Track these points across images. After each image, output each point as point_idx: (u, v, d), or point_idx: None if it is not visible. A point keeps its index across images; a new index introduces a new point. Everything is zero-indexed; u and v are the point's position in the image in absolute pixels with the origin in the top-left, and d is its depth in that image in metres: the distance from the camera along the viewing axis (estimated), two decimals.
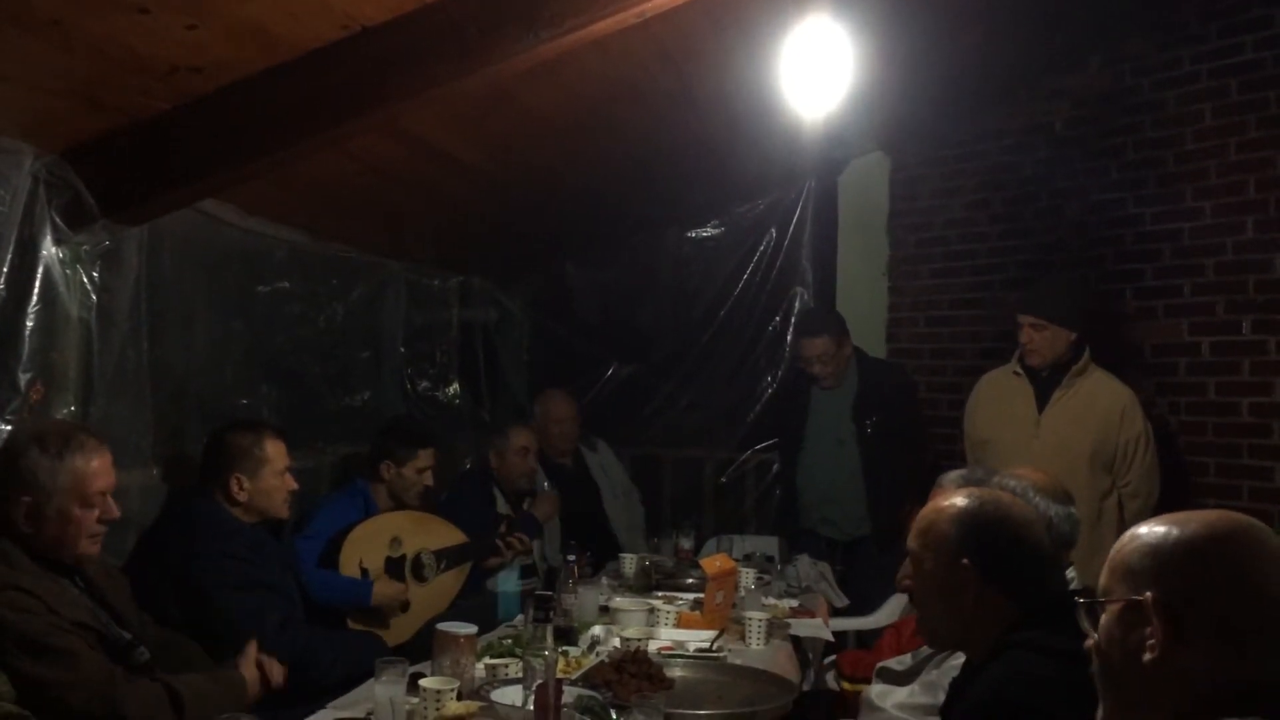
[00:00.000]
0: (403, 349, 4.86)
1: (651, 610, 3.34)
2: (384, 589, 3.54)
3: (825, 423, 4.66)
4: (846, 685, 3.45)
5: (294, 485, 3.18)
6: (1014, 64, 4.54)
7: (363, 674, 2.56)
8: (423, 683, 2.34)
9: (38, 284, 2.65)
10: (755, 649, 3.14)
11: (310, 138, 2.68)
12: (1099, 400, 3.89)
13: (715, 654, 3.01)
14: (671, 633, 3.22)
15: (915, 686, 2.56)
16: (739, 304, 5.37)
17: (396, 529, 3.73)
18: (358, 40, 2.49)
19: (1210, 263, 4.16)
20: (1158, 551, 1.34)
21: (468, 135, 3.47)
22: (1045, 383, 3.96)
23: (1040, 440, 3.88)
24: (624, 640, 2.94)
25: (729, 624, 3.30)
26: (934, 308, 5.03)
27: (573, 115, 3.55)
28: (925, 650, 2.66)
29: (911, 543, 2.03)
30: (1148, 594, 1.30)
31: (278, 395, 3.91)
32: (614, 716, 2.27)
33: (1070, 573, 2.45)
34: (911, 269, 5.10)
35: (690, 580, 3.87)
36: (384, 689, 2.23)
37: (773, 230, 5.31)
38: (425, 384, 5.03)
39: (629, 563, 4.08)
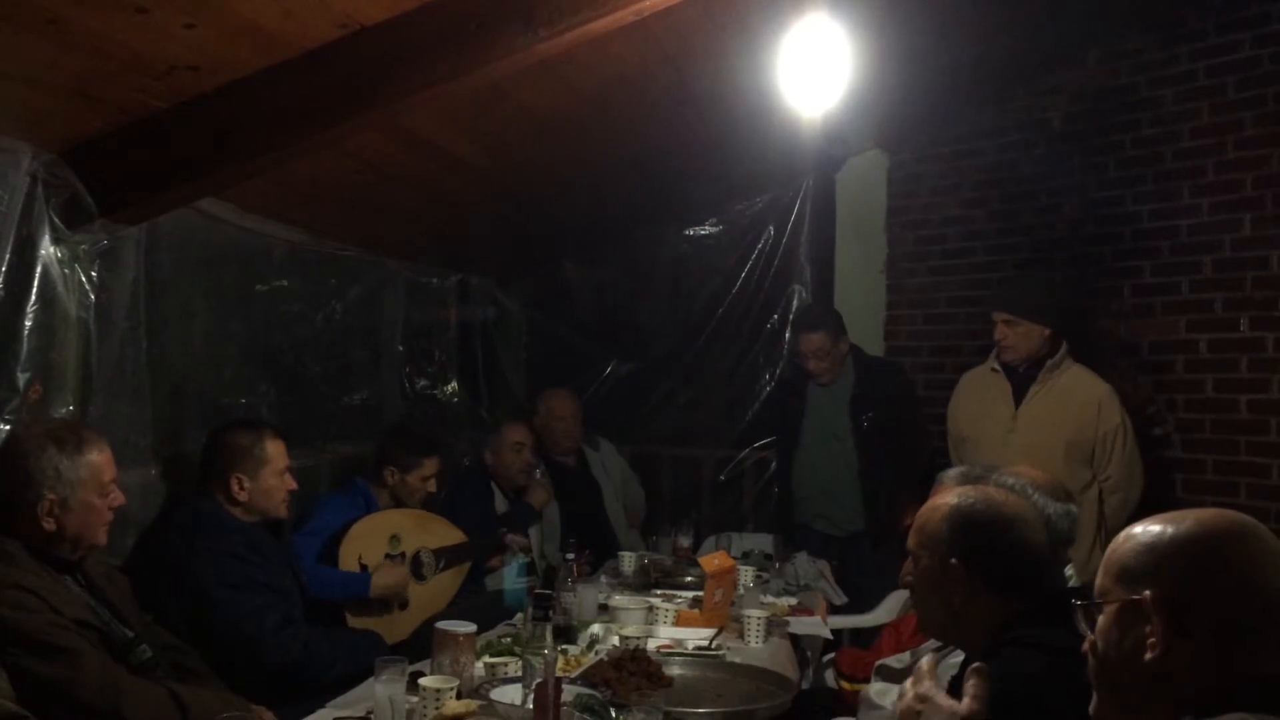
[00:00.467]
0: (401, 347, 4.86)
1: (650, 608, 3.34)
2: (383, 578, 3.53)
3: (822, 418, 4.68)
4: (845, 684, 3.45)
5: (293, 485, 3.19)
6: (1011, 60, 4.54)
7: (362, 673, 2.56)
8: (422, 681, 2.35)
9: (36, 283, 2.65)
10: (754, 647, 3.14)
11: (308, 137, 2.68)
12: (1075, 394, 3.91)
13: (714, 652, 3.01)
14: (670, 631, 3.23)
15: None
16: (737, 302, 5.37)
17: (396, 527, 3.73)
18: (356, 39, 2.49)
19: (1208, 260, 4.16)
20: (1155, 550, 1.34)
21: (466, 134, 3.47)
22: (1022, 378, 4.00)
23: (1017, 435, 3.91)
24: (623, 638, 2.95)
25: (728, 622, 3.31)
26: (932, 305, 5.03)
27: (571, 114, 3.55)
28: (924, 647, 2.67)
29: (910, 540, 2.04)
30: (1146, 592, 1.30)
31: (276, 394, 3.91)
32: (613, 715, 2.27)
33: (1069, 570, 2.46)
34: (909, 266, 5.10)
35: (689, 578, 3.87)
36: (384, 688, 2.23)
37: (771, 228, 5.31)
38: (424, 382, 5.03)
39: (628, 561, 4.09)
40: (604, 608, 3.38)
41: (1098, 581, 1.40)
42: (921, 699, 1.62)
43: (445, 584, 3.84)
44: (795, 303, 5.26)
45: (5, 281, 2.57)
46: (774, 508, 5.16)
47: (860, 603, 4.21)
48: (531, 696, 2.27)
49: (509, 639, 2.99)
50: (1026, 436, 3.88)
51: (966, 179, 4.92)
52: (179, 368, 3.39)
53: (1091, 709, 1.39)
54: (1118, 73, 4.45)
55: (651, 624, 3.25)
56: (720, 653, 3.01)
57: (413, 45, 2.50)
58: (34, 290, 2.65)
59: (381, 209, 4.06)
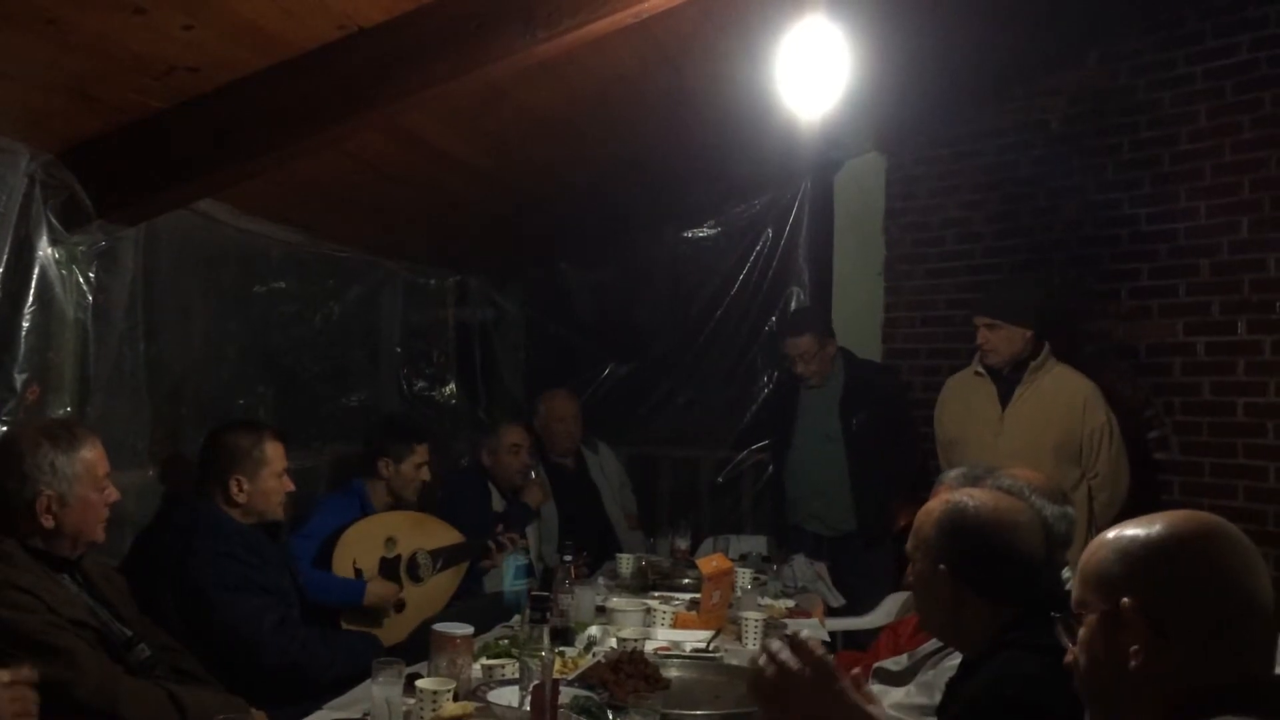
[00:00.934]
0: (399, 349, 4.86)
1: (648, 610, 3.34)
2: (377, 589, 3.54)
3: (813, 420, 4.70)
4: None
5: (291, 487, 3.18)
6: (1010, 63, 4.55)
7: (360, 674, 2.56)
8: (419, 683, 2.34)
9: (34, 284, 2.65)
10: (752, 649, 3.14)
11: (307, 137, 2.69)
12: (1060, 394, 3.95)
13: (712, 654, 3.01)
14: (668, 633, 3.22)
15: (912, 687, 2.56)
16: (735, 304, 5.37)
17: (392, 529, 3.73)
18: (355, 40, 2.49)
19: (1205, 263, 4.17)
20: (1128, 556, 1.34)
21: (464, 134, 3.47)
22: (1007, 380, 4.04)
23: (1004, 437, 3.95)
24: (620, 640, 2.94)
25: (725, 624, 3.30)
26: (930, 307, 5.03)
27: (570, 115, 3.55)
28: (922, 650, 2.67)
29: (908, 542, 2.05)
30: (1124, 600, 1.31)
31: (274, 395, 3.91)
32: (610, 717, 2.27)
33: (1066, 572, 2.46)
34: (907, 269, 5.10)
35: (687, 580, 3.87)
36: (381, 689, 2.23)
37: (769, 230, 5.31)
38: (421, 384, 5.03)
39: (625, 563, 4.09)
40: (601, 610, 3.38)
41: (1074, 593, 1.41)
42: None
43: (442, 585, 3.84)
44: (793, 304, 5.26)
45: (3, 282, 2.57)
46: (769, 509, 5.17)
47: (852, 604, 4.22)
48: (529, 698, 2.27)
49: (506, 641, 2.99)
50: (1014, 438, 3.92)
51: (965, 181, 4.92)
52: (177, 369, 3.39)
53: None
54: (1116, 75, 4.46)
55: (649, 626, 3.25)
56: (718, 655, 3.01)
57: (412, 46, 2.50)
58: (31, 291, 2.65)
59: (380, 210, 4.06)
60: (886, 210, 5.15)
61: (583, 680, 2.55)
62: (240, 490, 3.03)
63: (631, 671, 2.57)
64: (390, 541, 3.69)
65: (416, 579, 3.72)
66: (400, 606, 3.62)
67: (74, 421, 2.64)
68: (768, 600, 3.72)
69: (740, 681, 2.74)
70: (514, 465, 4.50)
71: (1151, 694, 1.29)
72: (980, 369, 4.12)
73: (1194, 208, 4.20)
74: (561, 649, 2.91)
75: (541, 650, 2.59)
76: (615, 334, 5.61)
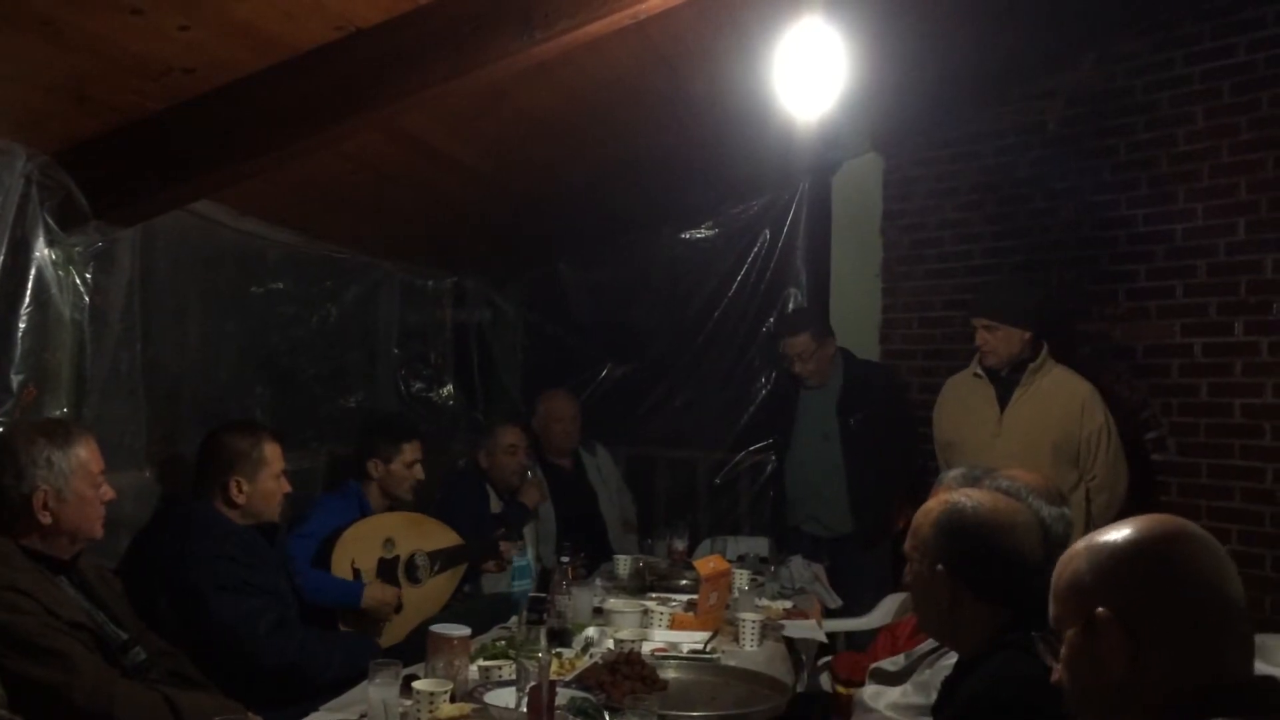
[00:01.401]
0: (396, 350, 4.85)
1: (645, 612, 3.34)
2: (375, 592, 3.53)
3: (812, 420, 4.71)
4: (840, 688, 3.45)
5: (288, 488, 3.18)
6: (1007, 63, 4.54)
7: (356, 676, 2.55)
8: (416, 685, 2.34)
9: (30, 285, 2.65)
10: (749, 650, 3.14)
11: (304, 139, 2.68)
12: (1058, 396, 3.96)
13: (709, 655, 3.01)
14: (665, 634, 3.22)
15: (908, 686, 2.56)
16: (733, 305, 5.37)
17: (390, 530, 3.73)
18: (352, 41, 2.49)
19: (1203, 264, 4.17)
20: (1098, 567, 1.35)
21: (462, 136, 3.47)
22: (1005, 382, 4.05)
23: (1003, 439, 3.95)
24: (618, 642, 2.94)
25: (723, 625, 3.31)
26: (928, 309, 5.03)
27: (567, 116, 3.55)
28: (918, 650, 2.67)
29: (906, 542, 2.05)
30: (1099, 610, 1.31)
31: (271, 396, 3.90)
32: (607, 718, 2.27)
33: None
34: (905, 270, 5.10)
35: (684, 581, 3.87)
36: (377, 691, 2.22)
37: (767, 231, 5.31)
38: (419, 385, 5.03)
39: (623, 564, 4.09)
40: (599, 611, 3.38)
41: (1051, 611, 1.42)
42: None
43: (440, 587, 3.84)
44: (791, 305, 5.26)
45: None
46: (769, 511, 5.17)
47: (850, 606, 4.22)
48: (525, 700, 2.27)
49: (503, 642, 2.99)
50: (1012, 439, 3.92)
51: (962, 182, 4.92)
52: (173, 370, 3.38)
53: None
54: (1113, 77, 4.46)
55: (646, 627, 3.25)
56: (715, 656, 3.01)
57: (409, 47, 2.50)
58: (28, 292, 2.65)
59: (377, 211, 4.05)
60: (884, 211, 5.15)
61: (580, 681, 2.55)
62: (240, 491, 3.03)
63: (629, 673, 2.58)
64: (389, 542, 3.69)
65: (414, 580, 3.71)
66: (398, 608, 3.62)
67: (67, 419, 2.65)
68: (765, 601, 3.72)
69: (737, 682, 2.75)
70: (511, 466, 4.50)
71: (1138, 701, 1.30)
72: (979, 370, 4.13)
73: (1191, 209, 4.20)
74: (558, 650, 2.91)
75: (538, 651, 2.59)
76: (613, 335, 5.61)
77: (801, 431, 4.74)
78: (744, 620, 3.21)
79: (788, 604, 3.78)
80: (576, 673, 2.67)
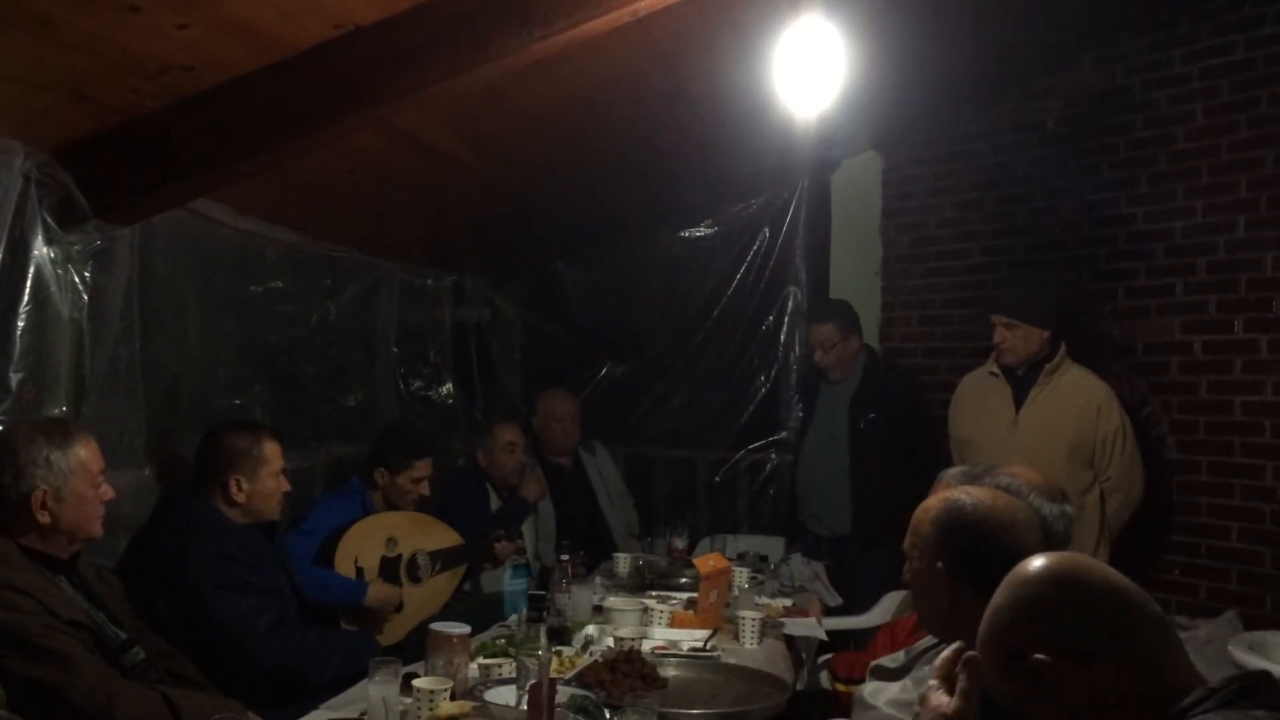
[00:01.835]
0: (395, 349, 4.85)
1: (645, 610, 3.34)
2: (378, 591, 3.54)
3: (825, 417, 4.71)
4: (840, 686, 3.45)
5: (288, 487, 3.18)
6: (1006, 62, 4.55)
7: (356, 674, 2.55)
8: (416, 683, 2.34)
9: (29, 284, 2.65)
10: (749, 648, 3.14)
11: (303, 137, 2.68)
12: (1075, 396, 3.93)
13: (709, 653, 3.01)
14: (665, 632, 3.22)
15: (908, 682, 2.56)
16: (732, 304, 5.36)
17: (392, 529, 3.73)
18: (350, 39, 2.49)
19: (1202, 262, 4.17)
20: (1014, 621, 1.40)
21: (460, 134, 3.46)
22: (1022, 381, 4.02)
23: (1018, 438, 3.92)
24: (618, 640, 2.94)
25: (723, 623, 3.31)
26: (927, 307, 5.03)
27: (565, 114, 3.55)
28: (918, 647, 2.67)
29: (905, 539, 2.05)
30: (1037, 657, 1.34)
31: (270, 395, 3.90)
32: (608, 716, 2.27)
33: None
34: (904, 268, 5.10)
35: (684, 579, 3.87)
36: (377, 689, 2.22)
37: (766, 230, 5.31)
38: (418, 383, 5.03)
39: (623, 562, 4.09)
40: (599, 609, 3.38)
41: (995, 693, 1.44)
42: (921, 699, 1.63)
43: (440, 586, 3.84)
44: (791, 304, 5.26)
45: None
46: (768, 509, 5.19)
47: (851, 607, 4.21)
48: (526, 698, 2.27)
49: (503, 640, 2.99)
50: (1027, 439, 3.88)
51: (961, 181, 4.92)
52: (172, 369, 3.38)
53: None
54: (1112, 75, 4.46)
55: (646, 625, 3.25)
56: (715, 654, 3.01)
57: (407, 45, 2.50)
58: (27, 290, 2.65)
59: (376, 210, 4.05)
60: (883, 210, 5.15)
61: (580, 679, 2.55)
62: (239, 490, 3.03)
63: (629, 671, 2.58)
64: (391, 541, 3.69)
65: (416, 580, 3.71)
66: (399, 607, 3.62)
67: (66, 418, 2.65)
68: (765, 599, 3.72)
69: (737, 680, 2.75)
70: (509, 464, 4.50)
71: (1114, 714, 1.31)
72: (995, 369, 4.09)
73: (1191, 207, 4.21)
74: (558, 648, 2.91)
75: (538, 649, 2.59)
76: (612, 334, 5.61)
77: (814, 428, 4.76)
78: (744, 618, 3.21)
79: (787, 602, 3.78)
80: (576, 671, 2.67)
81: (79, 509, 2.40)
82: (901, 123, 4.91)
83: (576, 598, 3.27)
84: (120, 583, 2.69)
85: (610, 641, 2.99)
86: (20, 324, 2.64)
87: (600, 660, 2.71)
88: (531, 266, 5.70)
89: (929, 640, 2.55)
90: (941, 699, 1.54)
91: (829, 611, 4.07)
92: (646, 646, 2.94)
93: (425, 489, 3.92)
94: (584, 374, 5.55)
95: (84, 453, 2.42)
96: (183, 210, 3.17)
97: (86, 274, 2.81)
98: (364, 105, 2.61)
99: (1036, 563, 1.43)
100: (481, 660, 2.74)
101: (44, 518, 2.35)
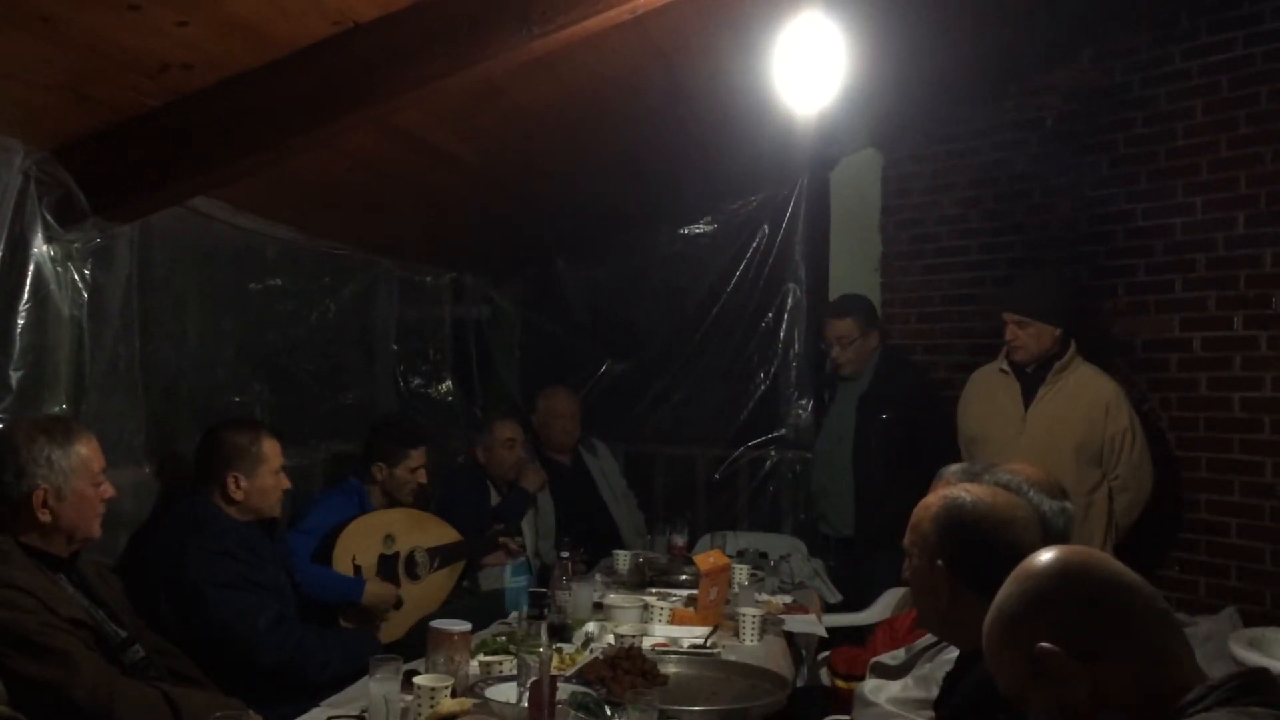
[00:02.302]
0: (395, 346, 4.85)
1: (645, 607, 3.34)
2: (376, 589, 3.54)
3: (836, 416, 4.71)
4: (840, 682, 3.46)
5: (287, 484, 3.18)
6: (1005, 59, 4.55)
7: (357, 671, 2.55)
8: (417, 680, 2.34)
9: (29, 281, 2.65)
10: (749, 645, 3.14)
11: (302, 135, 2.68)
12: (1084, 394, 3.92)
13: (709, 650, 3.01)
14: (665, 629, 3.23)
15: (908, 680, 2.56)
16: (731, 301, 5.36)
17: (390, 526, 3.73)
18: (349, 37, 2.49)
19: (1201, 258, 4.17)
20: (1020, 613, 1.39)
21: (459, 132, 3.46)
22: (1031, 378, 4.00)
23: (1027, 436, 3.91)
24: (618, 637, 2.95)
25: (723, 620, 3.31)
26: (926, 304, 5.03)
27: (565, 112, 3.55)
28: (919, 644, 2.67)
29: (905, 537, 2.05)
30: (1042, 646, 1.34)
31: (270, 393, 3.90)
32: (608, 713, 2.27)
33: None
34: (904, 265, 5.10)
35: (684, 577, 3.87)
36: (378, 686, 2.22)
37: (765, 227, 5.31)
38: (418, 381, 5.03)
39: (623, 559, 4.09)
40: (599, 606, 3.38)
41: (999, 683, 1.43)
42: None
43: (439, 583, 3.84)
44: (790, 301, 5.26)
45: None
46: (767, 507, 5.20)
47: (852, 608, 4.20)
48: (526, 695, 2.27)
49: (504, 637, 2.99)
50: (1036, 437, 3.88)
51: (960, 178, 4.92)
52: (172, 366, 3.38)
53: None
54: (1111, 72, 4.45)
55: (646, 622, 3.25)
56: (715, 651, 3.01)
57: (407, 43, 2.50)
58: (27, 288, 2.65)
59: (375, 207, 4.05)
60: (883, 207, 5.15)
61: (580, 676, 2.55)
62: (237, 487, 3.03)
63: (629, 668, 2.58)
64: (389, 538, 3.69)
65: (414, 577, 3.72)
66: (398, 604, 3.62)
67: (67, 417, 2.65)
68: (765, 596, 3.72)
69: (737, 677, 2.75)
70: (509, 460, 4.51)
71: (1117, 716, 1.31)
72: (1005, 366, 4.07)
73: (1190, 203, 4.21)
74: (559, 645, 2.91)
75: (539, 646, 2.59)
76: (611, 331, 5.61)
77: (826, 426, 4.77)
78: (744, 615, 3.21)
79: (787, 599, 3.78)
80: (577, 668, 2.67)
81: (79, 508, 2.41)
82: (901, 120, 4.91)
83: (577, 595, 3.28)
84: (120, 581, 2.69)
85: (611, 638, 2.99)
86: (20, 322, 2.64)
87: (601, 657, 2.71)
88: (531, 264, 5.70)
89: (929, 638, 2.56)
90: None
91: (828, 608, 4.07)
92: (647, 643, 2.95)
93: (423, 477, 3.93)
94: (583, 371, 5.55)
95: (85, 451, 2.42)
96: (182, 208, 3.17)
97: (86, 272, 2.81)
98: (363, 103, 2.61)
99: (1047, 555, 1.42)
100: (482, 657, 2.74)
101: (45, 516, 2.35)
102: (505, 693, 2.45)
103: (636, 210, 5.22)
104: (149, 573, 2.87)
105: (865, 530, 4.48)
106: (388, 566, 3.66)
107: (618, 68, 3.29)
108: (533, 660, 2.36)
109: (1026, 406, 3.98)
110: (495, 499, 4.47)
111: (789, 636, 3.39)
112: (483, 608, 3.40)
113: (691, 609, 3.39)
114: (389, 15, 2.46)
